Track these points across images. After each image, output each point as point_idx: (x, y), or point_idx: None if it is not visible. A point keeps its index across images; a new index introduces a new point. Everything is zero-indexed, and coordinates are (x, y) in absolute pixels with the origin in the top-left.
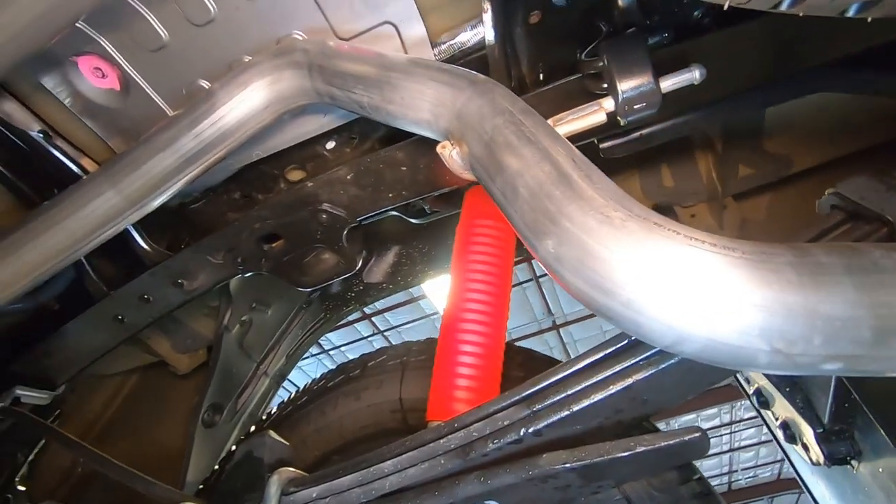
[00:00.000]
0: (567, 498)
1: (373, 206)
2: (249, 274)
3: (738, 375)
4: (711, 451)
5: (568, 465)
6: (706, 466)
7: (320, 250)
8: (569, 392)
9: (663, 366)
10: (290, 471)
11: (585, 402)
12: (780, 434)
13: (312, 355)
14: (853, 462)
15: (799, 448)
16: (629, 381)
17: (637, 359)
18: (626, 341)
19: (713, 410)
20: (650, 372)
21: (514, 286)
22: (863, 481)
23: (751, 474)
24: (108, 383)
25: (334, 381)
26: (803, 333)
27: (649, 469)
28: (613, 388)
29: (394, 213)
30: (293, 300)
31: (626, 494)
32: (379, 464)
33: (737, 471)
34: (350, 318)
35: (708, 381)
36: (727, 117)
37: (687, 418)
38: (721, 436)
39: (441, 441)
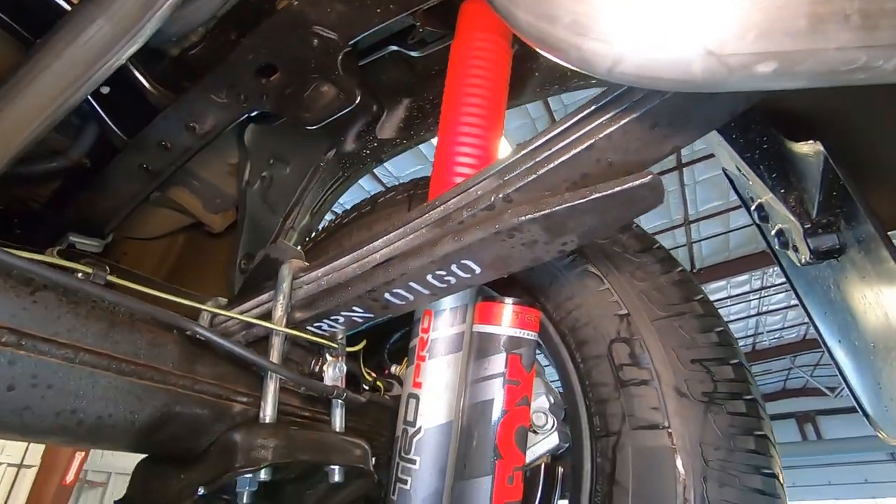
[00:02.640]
0: (536, 256)
1: (362, 25)
2: (255, 113)
3: (741, 191)
4: (739, 315)
5: (530, 216)
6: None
7: (318, 82)
8: (536, 159)
9: (624, 122)
10: (300, 262)
11: (550, 166)
12: (775, 242)
13: None
14: (838, 258)
15: (790, 252)
16: (591, 140)
17: (599, 120)
18: (590, 108)
19: (744, 277)
20: (612, 129)
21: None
22: (847, 275)
23: (776, 336)
24: (156, 247)
25: (349, 217)
26: (735, 30)
27: (610, 219)
28: (577, 150)
29: (394, 48)
30: (310, 157)
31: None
32: (371, 243)
33: (762, 333)
34: None
35: (671, 142)
36: None
37: (717, 285)
38: (750, 301)
39: (424, 216)
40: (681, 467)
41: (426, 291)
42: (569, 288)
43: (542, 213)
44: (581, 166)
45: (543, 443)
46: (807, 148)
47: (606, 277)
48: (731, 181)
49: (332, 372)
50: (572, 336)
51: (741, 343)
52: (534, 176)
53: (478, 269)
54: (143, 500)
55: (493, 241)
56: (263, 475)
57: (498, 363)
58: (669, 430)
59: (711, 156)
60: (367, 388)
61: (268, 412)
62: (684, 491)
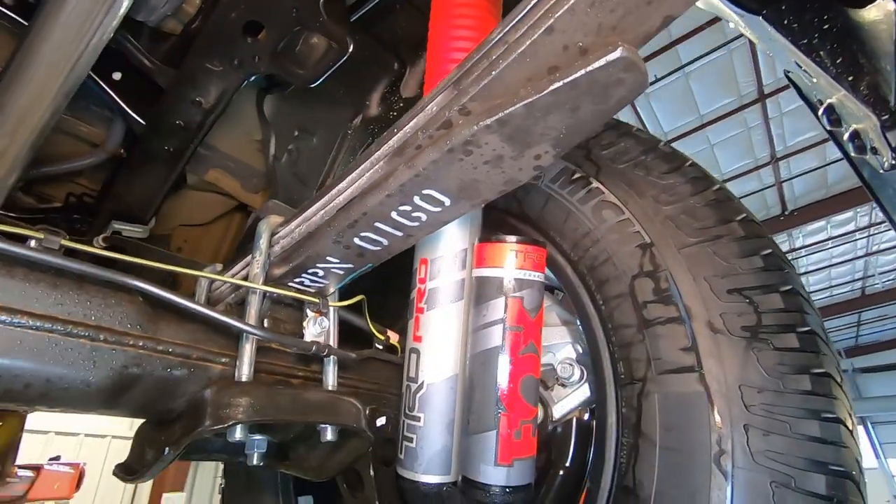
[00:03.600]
0: (509, 176)
1: None
2: (254, 78)
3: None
4: (844, 258)
5: (483, 124)
6: (835, 274)
7: (306, 34)
8: (492, 57)
9: None
10: (278, 217)
11: (508, 61)
12: (850, 148)
13: None
14: None
15: (870, 157)
16: (549, 21)
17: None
18: None
19: (847, 214)
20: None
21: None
22: None
23: (891, 277)
24: (213, 232)
25: None
26: None
27: (585, 116)
28: (534, 35)
29: None
30: (335, 126)
31: None
32: (336, 185)
33: (873, 275)
34: None
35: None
36: None
37: (815, 225)
38: (856, 240)
39: (382, 148)
40: (716, 415)
41: (398, 233)
42: (585, 222)
43: (496, 117)
44: (545, 57)
45: (573, 396)
46: (875, 12)
47: (626, 206)
48: (795, 85)
49: (314, 328)
50: (591, 276)
51: (846, 289)
52: (490, 77)
53: (446, 200)
54: (137, 464)
55: (448, 161)
56: (238, 434)
57: (497, 308)
58: (702, 373)
59: (728, 115)
60: (379, 345)
61: (243, 371)
62: (720, 441)
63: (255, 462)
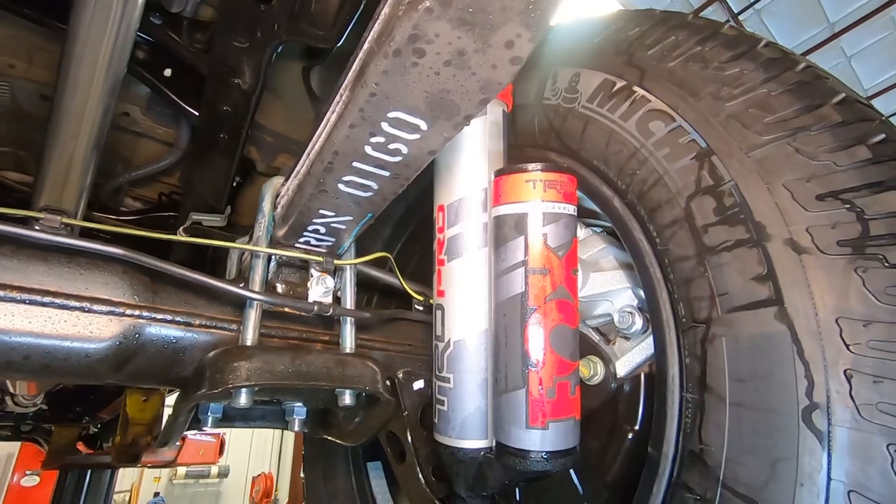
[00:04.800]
0: (484, 79)
1: None
2: (280, 49)
3: None
4: None
5: (421, 7)
6: None
7: None
8: None
9: None
10: (281, 178)
11: None
12: None
13: None
14: None
15: None
16: None
17: None
18: None
19: None
20: None
21: None
22: None
23: None
24: None
25: None
26: None
27: None
28: None
29: None
30: None
31: None
32: (315, 129)
33: None
34: None
35: None
36: None
37: None
38: None
39: (348, 75)
40: (805, 359)
41: (383, 172)
42: (630, 141)
43: None
44: None
45: (638, 349)
46: None
47: (678, 111)
48: None
49: (317, 287)
50: (642, 203)
51: None
52: None
53: (420, 122)
54: (164, 432)
55: (400, 69)
56: (243, 399)
57: (517, 249)
58: (783, 307)
59: (867, 17)
60: (419, 307)
61: (248, 336)
62: (811, 393)
63: (297, 428)
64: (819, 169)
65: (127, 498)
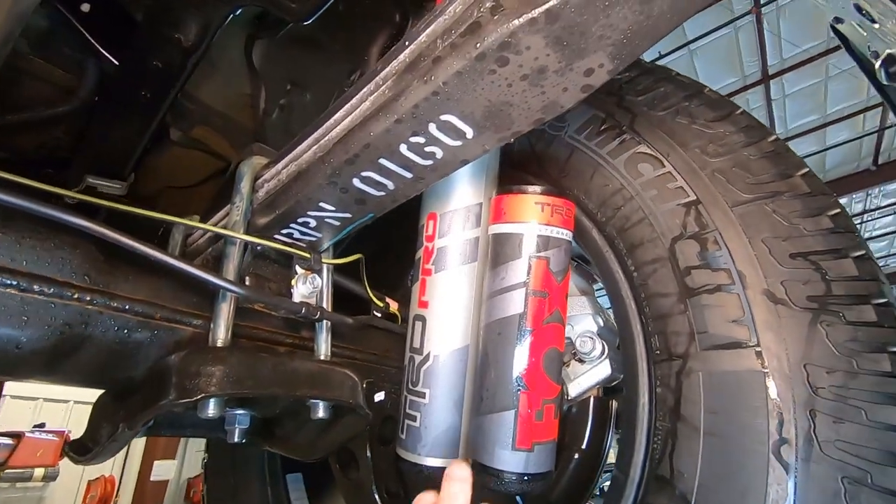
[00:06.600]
0: (550, 99)
1: None
2: (240, 12)
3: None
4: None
5: (525, 18)
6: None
7: None
8: None
9: None
10: (262, 159)
11: None
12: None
13: None
14: None
15: None
16: None
17: None
18: None
19: (843, 200)
20: None
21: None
22: None
23: (881, 264)
24: (203, 195)
25: None
26: None
27: (656, 11)
28: None
29: None
30: (331, 82)
31: None
32: (334, 114)
33: None
34: None
35: None
36: None
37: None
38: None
39: (391, 64)
40: (776, 397)
41: (407, 174)
42: (616, 177)
43: (543, 7)
44: None
45: (591, 373)
46: None
47: (667, 158)
48: (843, 38)
49: (303, 287)
50: (622, 238)
51: None
52: None
53: (469, 130)
54: (91, 442)
55: (476, 74)
56: (212, 409)
57: (518, 270)
58: (758, 349)
59: (802, 63)
60: (378, 313)
61: (219, 335)
62: (781, 428)
63: (235, 439)
64: (792, 231)
65: None
